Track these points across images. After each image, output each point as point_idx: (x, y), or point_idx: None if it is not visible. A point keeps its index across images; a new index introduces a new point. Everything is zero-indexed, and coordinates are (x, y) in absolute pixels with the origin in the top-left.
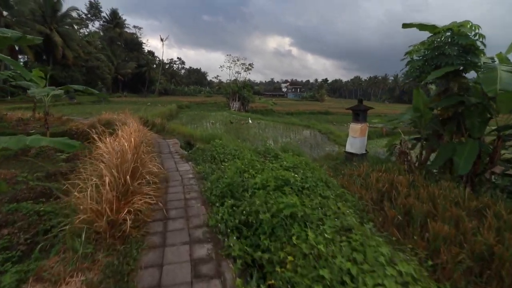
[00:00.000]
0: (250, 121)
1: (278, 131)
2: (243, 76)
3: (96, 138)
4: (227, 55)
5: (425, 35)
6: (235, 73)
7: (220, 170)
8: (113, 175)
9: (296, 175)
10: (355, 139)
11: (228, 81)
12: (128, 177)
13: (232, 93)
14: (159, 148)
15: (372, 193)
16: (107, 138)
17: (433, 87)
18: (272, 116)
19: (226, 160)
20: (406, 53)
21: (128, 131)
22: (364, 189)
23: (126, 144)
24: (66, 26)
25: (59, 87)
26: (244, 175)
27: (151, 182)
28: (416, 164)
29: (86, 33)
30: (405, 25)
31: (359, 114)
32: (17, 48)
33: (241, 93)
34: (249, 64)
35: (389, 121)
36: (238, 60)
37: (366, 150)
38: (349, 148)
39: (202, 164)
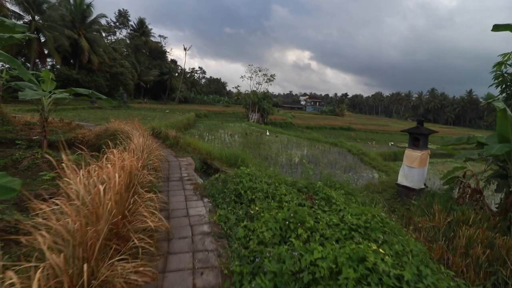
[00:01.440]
0: (267, 133)
1: (302, 147)
2: (264, 87)
3: (68, 166)
4: (249, 65)
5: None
6: (256, 83)
7: (249, 219)
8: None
9: (383, 254)
10: (412, 169)
11: (246, 91)
12: (95, 251)
13: (251, 104)
14: (168, 171)
15: (472, 263)
16: (83, 170)
17: None
18: (291, 129)
19: (255, 199)
20: (495, 65)
21: (126, 154)
22: (456, 256)
23: (113, 176)
24: (94, 32)
25: (62, 90)
26: (290, 239)
27: (140, 249)
28: (496, 210)
29: (113, 40)
30: (495, 28)
31: (419, 139)
32: (46, 52)
33: (260, 104)
34: (271, 75)
35: (444, 145)
36: (260, 71)
37: (424, 184)
38: (403, 180)
39: (223, 206)
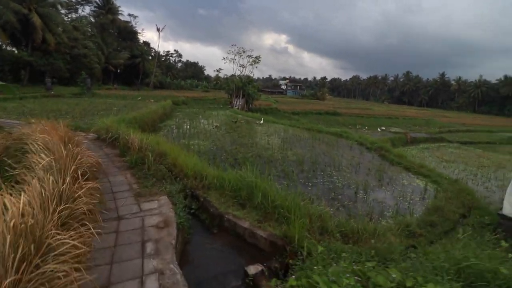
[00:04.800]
0: (261, 122)
1: (305, 142)
2: (249, 70)
3: None
4: (232, 45)
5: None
6: (239, 66)
7: None
8: None
9: None
10: None
11: (225, 76)
12: None
13: (235, 89)
14: (111, 258)
15: None
16: None
17: None
18: (278, 116)
19: None
20: None
21: None
22: None
23: None
24: (48, 7)
25: None
26: None
27: None
28: None
29: (74, 17)
30: None
31: None
32: None
33: (245, 89)
34: (256, 57)
35: None
36: (244, 52)
37: None
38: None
39: None
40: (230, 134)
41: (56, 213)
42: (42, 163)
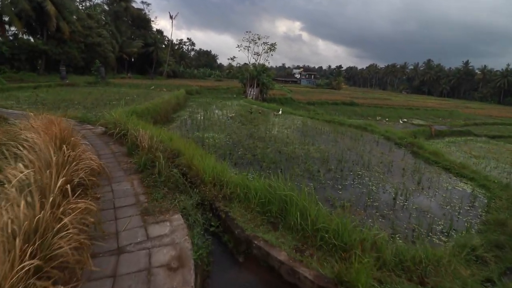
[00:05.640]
0: (280, 112)
1: (327, 136)
2: (264, 58)
3: None
4: (247, 32)
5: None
6: (254, 54)
7: None
8: None
9: None
10: None
11: (238, 65)
12: None
13: (249, 78)
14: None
15: None
16: None
17: None
18: (293, 106)
19: None
20: None
21: None
22: None
23: None
24: None
25: None
26: None
27: None
28: None
29: (88, 5)
30: None
31: None
32: (6, 19)
33: (260, 78)
34: (272, 44)
35: None
36: (259, 39)
37: None
38: None
39: None
40: (246, 126)
41: (22, 259)
42: (17, 178)
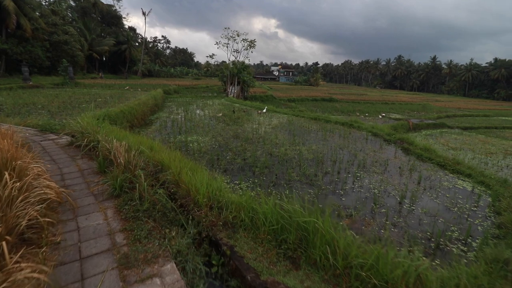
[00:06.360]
0: (265, 111)
1: (315, 134)
2: (243, 55)
3: None
4: (225, 28)
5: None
6: (233, 51)
7: None
8: None
9: None
10: None
11: (216, 62)
12: None
13: (230, 76)
14: None
15: None
16: None
17: None
18: (274, 103)
19: None
20: None
21: None
22: None
23: None
24: None
25: None
26: None
27: None
28: None
29: (52, 1)
30: None
31: None
32: None
33: (240, 76)
34: (251, 41)
35: None
36: (238, 35)
37: None
38: None
39: None
40: (231, 126)
41: None
42: None
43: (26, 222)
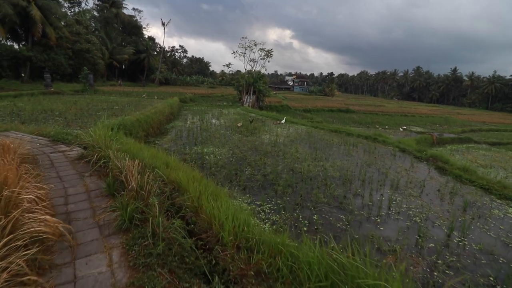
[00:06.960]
0: (283, 121)
1: (338, 149)
2: (260, 64)
3: None
4: (242, 38)
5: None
6: (250, 60)
7: None
8: None
9: None
10: None
11: (231, 71)
12: None
13: (246, 85)
14: None
15: None
16: None
17: None
18: (289, 113)
19: None
20: None
21: None
22: None
23: None
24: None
25: None
26: None
27: None
28: None
29: (77, 11)
30: None
31: None
32: None
33: (256, 85)
34: (268, 51)
35: None
36: (255, 45)
37: None
38: None
39: None
40: (248, 138)
41: None
42: None
43: (6, 278)
